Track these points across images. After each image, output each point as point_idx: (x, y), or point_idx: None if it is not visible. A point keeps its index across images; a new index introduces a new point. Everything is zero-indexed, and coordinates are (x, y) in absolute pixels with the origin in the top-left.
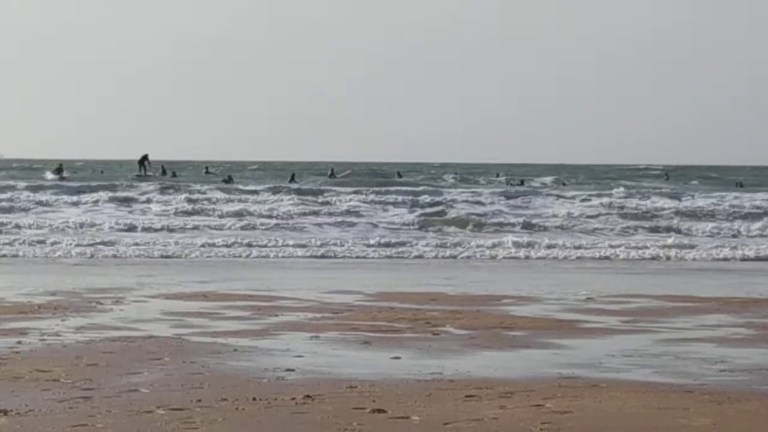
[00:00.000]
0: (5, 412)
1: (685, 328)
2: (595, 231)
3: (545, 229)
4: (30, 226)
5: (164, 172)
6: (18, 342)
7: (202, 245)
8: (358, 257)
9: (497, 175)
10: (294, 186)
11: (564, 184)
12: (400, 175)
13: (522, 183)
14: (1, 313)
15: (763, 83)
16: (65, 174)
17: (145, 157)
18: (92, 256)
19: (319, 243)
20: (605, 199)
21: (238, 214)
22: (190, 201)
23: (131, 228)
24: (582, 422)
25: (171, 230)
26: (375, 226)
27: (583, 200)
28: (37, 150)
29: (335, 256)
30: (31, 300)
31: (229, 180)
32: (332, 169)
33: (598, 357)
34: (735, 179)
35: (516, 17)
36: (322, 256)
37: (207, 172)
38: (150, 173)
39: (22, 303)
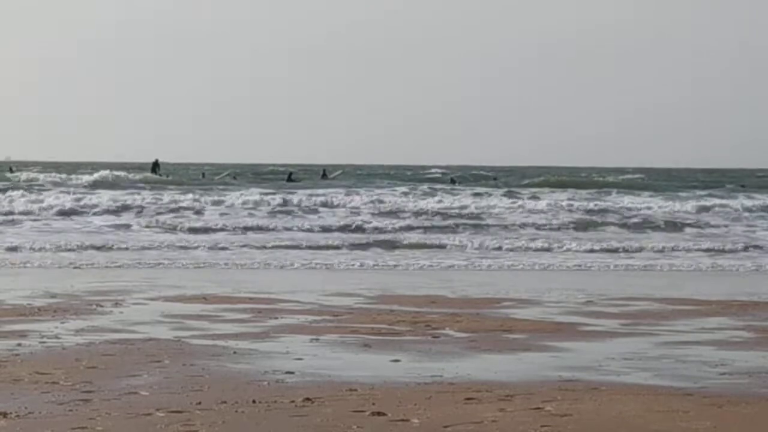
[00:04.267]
0: (5, 415)
1: (685, 331)
2: None
3: None
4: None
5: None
6: (18, 344)
7: None
8: None
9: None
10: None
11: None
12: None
13: None
14: (0, 315)
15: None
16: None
17: (155, 163)
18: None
19: None
20: None
21: None
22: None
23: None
24: (582, 425)
25: None
26: None
27: None
28: (38, 152)
29: None
30: (30, 302)
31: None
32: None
33: (598, 360)
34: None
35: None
36: None
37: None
38: (162, 176)
39: (21, 305)
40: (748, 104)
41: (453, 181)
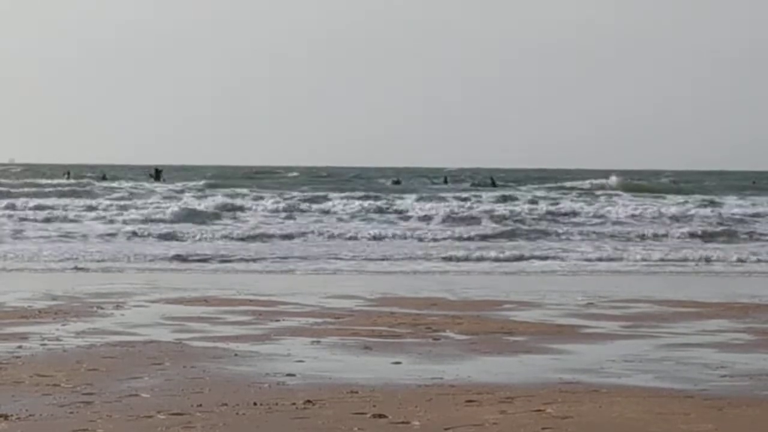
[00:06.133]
0: (6, 417)
1: (686, 334)
2: None
3: None
4: None
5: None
6: (18, 347)
7: None
8: None
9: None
10: None
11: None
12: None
13: None
14: (1, 317)
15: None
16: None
17: (157, 170)
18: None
19: None
20: None
21: None
22: None
23: None
24: (582, 427)
25: None
26: None
27: None
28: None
29: None
30: (31, 305)
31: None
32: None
33: (599, 362)
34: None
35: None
36: None
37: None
38: (166, 180)
39: (22, 308)
40: (748, 104)
41: (397, 182)
